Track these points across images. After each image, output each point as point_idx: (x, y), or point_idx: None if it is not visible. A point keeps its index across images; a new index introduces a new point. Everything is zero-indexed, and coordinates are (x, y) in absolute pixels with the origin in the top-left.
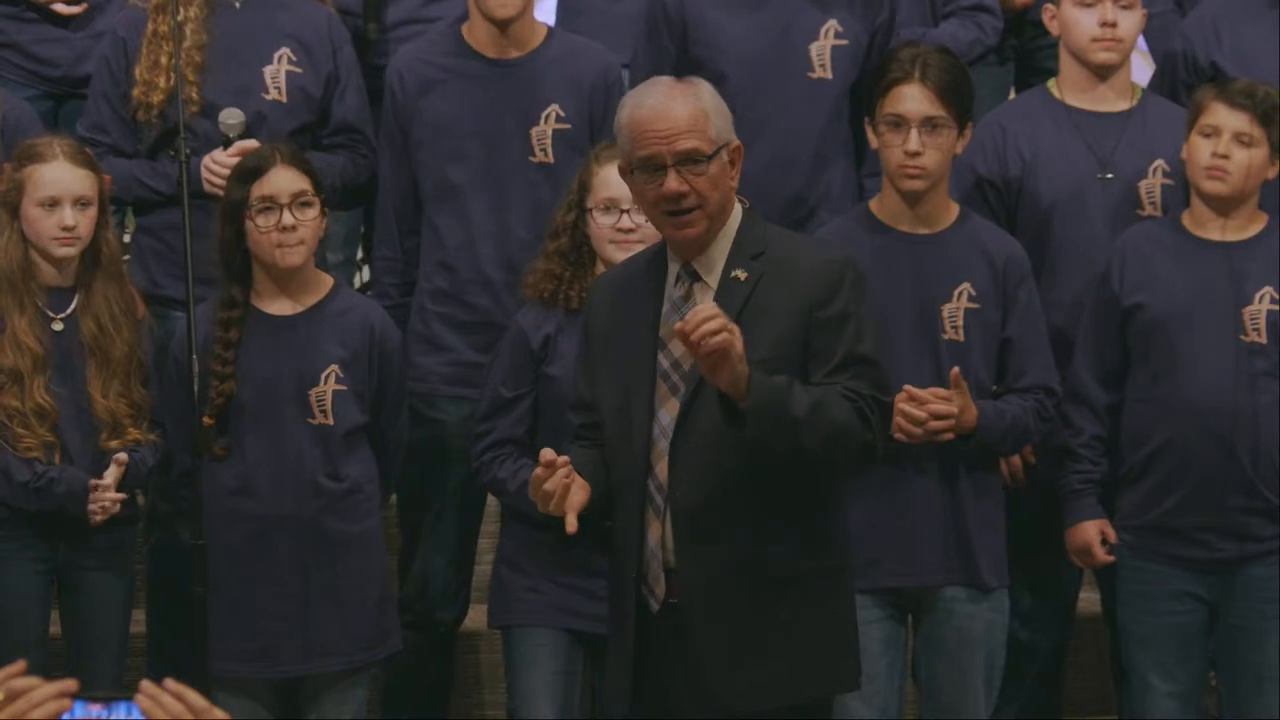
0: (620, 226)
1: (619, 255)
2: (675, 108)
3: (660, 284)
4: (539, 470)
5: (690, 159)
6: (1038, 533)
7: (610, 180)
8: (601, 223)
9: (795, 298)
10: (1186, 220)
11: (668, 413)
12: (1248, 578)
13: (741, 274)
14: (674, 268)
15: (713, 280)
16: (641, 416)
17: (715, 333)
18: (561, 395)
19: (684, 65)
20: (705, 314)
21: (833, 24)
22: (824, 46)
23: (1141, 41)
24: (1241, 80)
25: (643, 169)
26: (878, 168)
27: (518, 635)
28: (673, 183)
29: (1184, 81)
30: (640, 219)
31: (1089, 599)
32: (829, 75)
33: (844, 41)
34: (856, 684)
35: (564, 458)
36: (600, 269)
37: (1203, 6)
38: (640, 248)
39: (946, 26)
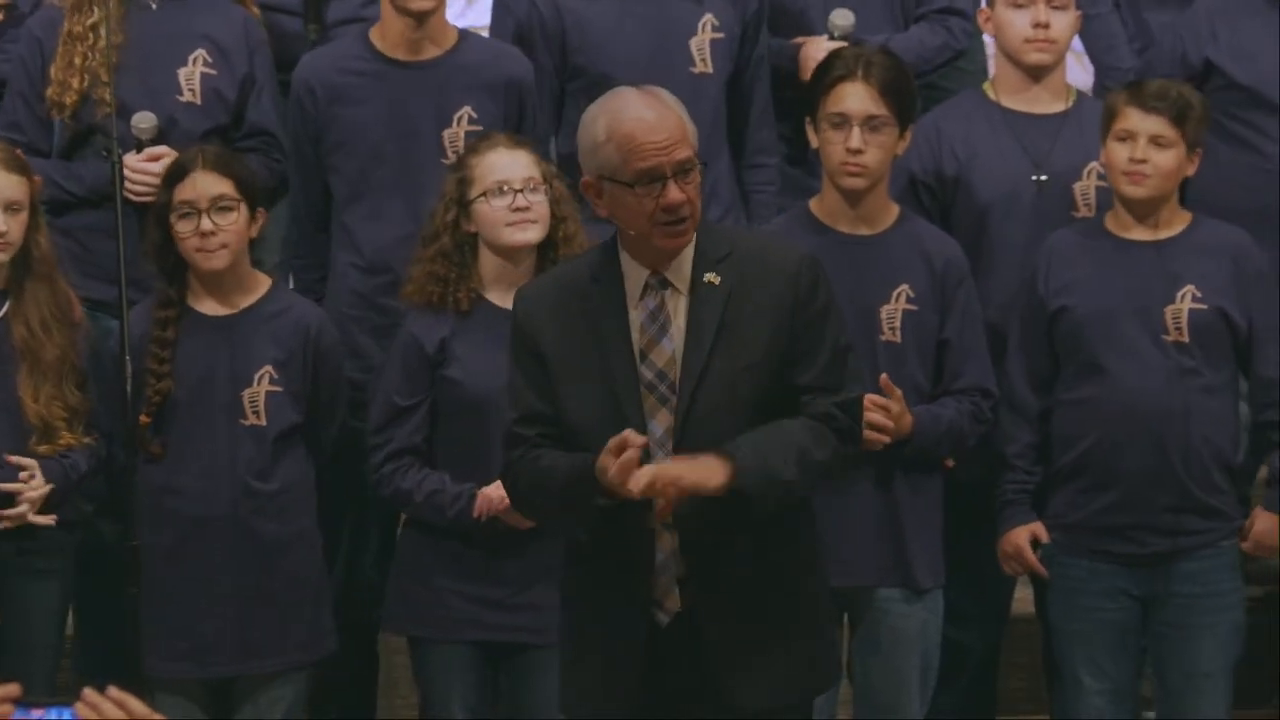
0: (515, 206)
1: (517, 236)
2: (667, 117)
3: (618, 294)
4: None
5: (685, 168)
6: (971, 533)
7: (496, 164)
8: (495, 205)
9: (774, 297)
10: (1109, 221)
11: (659, 424)
12: (1180, 573)
13: (714, 278)
14: (637, 276)
15: (683, 286)
16: (634, 429)
17: (669, 485)
18: (462, 398)
19: (563, 73)
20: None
21: (709, 18)
22: (703, 41)
23: (1077, 43)
24: (1154, 82)
25: (641, 181)
26: (754, 159)
27: (426, 648)
28: (676, 194)
29: (1169, 76)
30: (535, 197)
31: (1023, 598)
32: (710, 69)
33: (721, 35)
34: (839, 677)
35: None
36: (485, 265)
37: (1198, 3)
38: (536, 228)
39: (915, 30)
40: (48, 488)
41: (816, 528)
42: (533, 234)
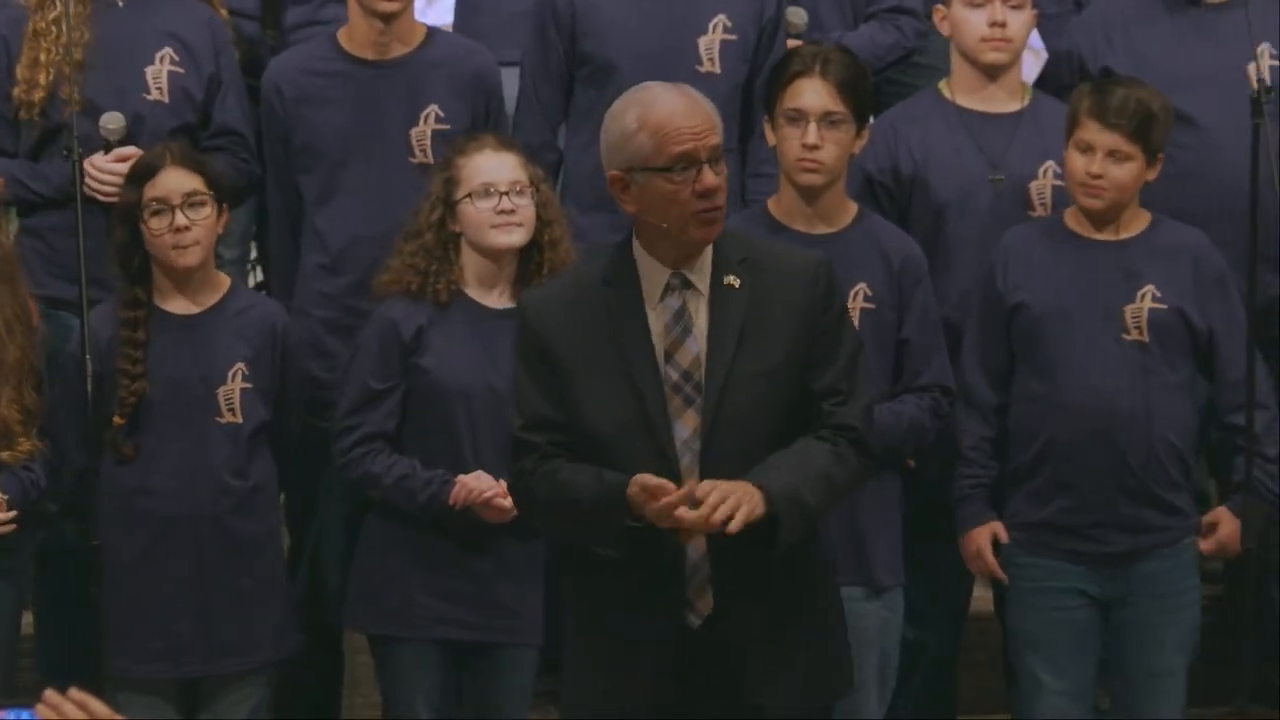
0: (501, 209)
1: (501, 239)
2: (699, 104)
3: (635, 294)
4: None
5: (717, 155)
6: (928, 532)
7: (483, 166)
8: (481, 208)
9: (793, 302)
10: (1070, 220)
11: (685, 425)
12: (1140, 573)
13: (735, 280)
14: (657, 276)
15: (704, 287)
16: (660, 432)
17: (731, 514)
18: (431, 388)
19: (572, 60)
20: (715, 502)
21: (721, 19)
22: (713, 41)
23: (1035, 40)
24: (1117, 93)
25: (677, 166)
26: (760, 169)
27: (391, 647)
28: (712, 178)
29: (1067, 86)
30: (521, 201)
31: (982, 597)
32: (717, 70)
33: (732, 37)
34: (853, 679)
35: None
36: (467, 263)
37: (1092, 10)
38: (521, 231)
39: (865, 29)
40: (11, 513)
41: (827, 534)
42: (517, 237)
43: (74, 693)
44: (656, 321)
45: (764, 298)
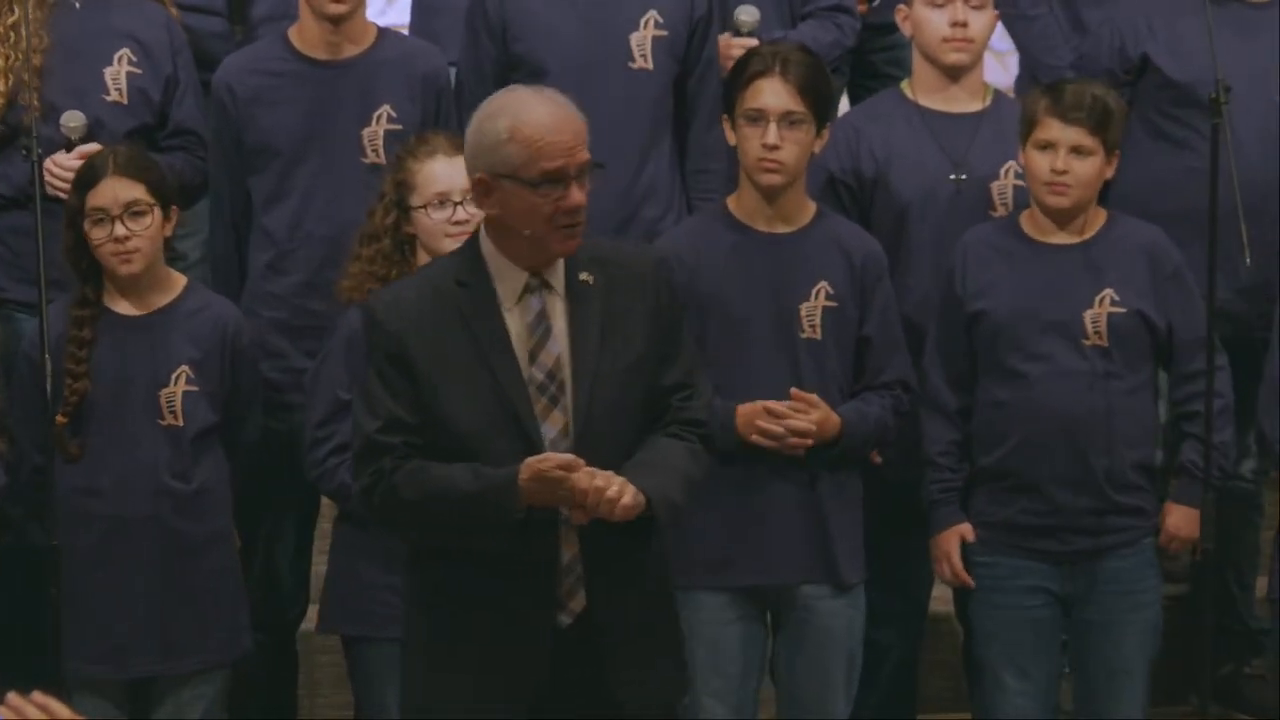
0: (455, 219)
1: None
2: (570, 118)
3: (489, 297)
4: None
5: (585, 171)
6: (888, 531)
7: (438, 175)
8: (435, 218)
9: (640, 299)
10: (1026, 224)
11: (552, 425)
12: (1102, 570)
13: (588, 277)
14: (513, 278)
15: (559, 287)
16: (529, 432)
17: (616, 499)
18: None
19: (504, 63)
20: (599, 487)
21: (653, 14)
22: (644, 37)
23: (999, 42)
24: (1073, 90)
25: (545, 182)
26: (705, 164)
27: (361, 647)
28: (579, 195)
29: (1106, 69)
30: (475, 210)
31: (943, 597)
32: (649, 66)
33: (664, 33)
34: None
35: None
36: (422, 264)
37: None
38: None
39: (805, 28)
40: None
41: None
42: None
43: (37, 696)
44: (516, 322)
45: (616, 295)
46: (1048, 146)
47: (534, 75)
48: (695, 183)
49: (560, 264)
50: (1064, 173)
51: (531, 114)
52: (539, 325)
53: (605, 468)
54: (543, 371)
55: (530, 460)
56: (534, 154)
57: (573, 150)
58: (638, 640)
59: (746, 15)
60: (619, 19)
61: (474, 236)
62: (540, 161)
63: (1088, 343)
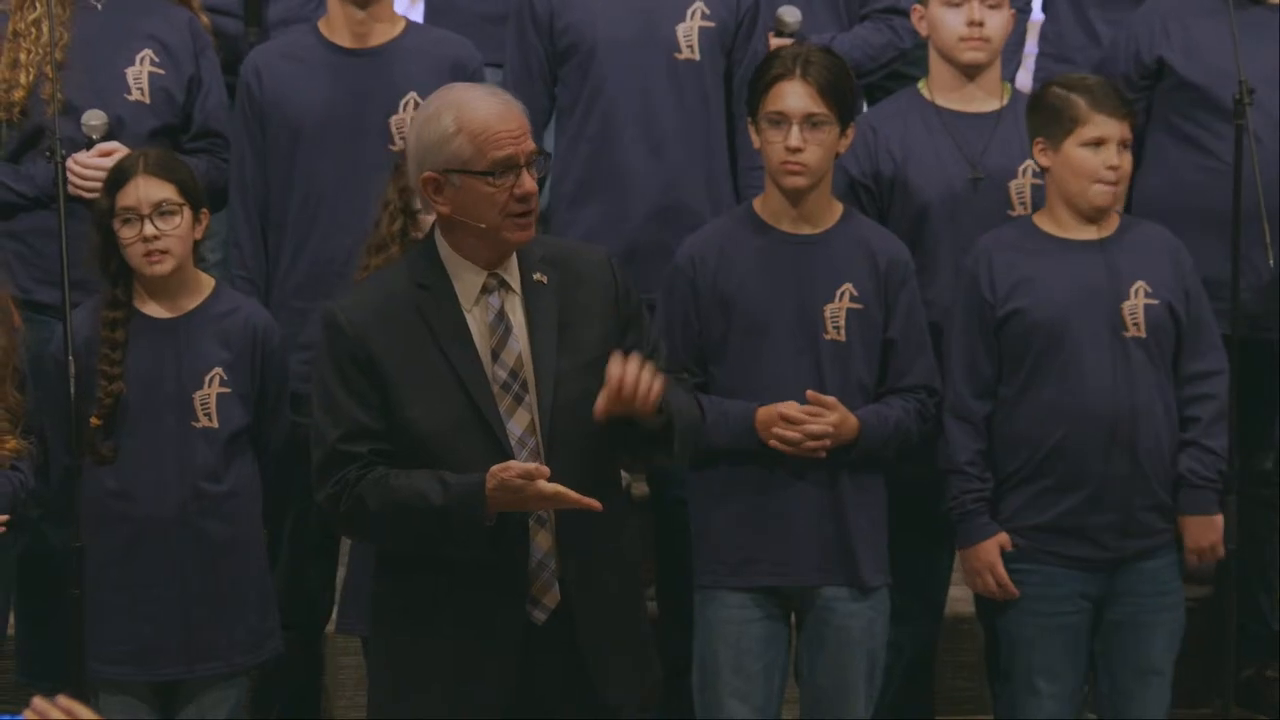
0: None
1: None
2: (513, 107)
3: (448, 297)
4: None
5: (533, 159)
6: (905, 531)
7: None
8: None
9: (595, 295)
10: (1044, 221)
11: (518, 424)
12: (1137, 572)
13: (541, 276)
14: (471, 278)
15: (515, 285)
16: (495, 430)
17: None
18: None
19: (553, 59)
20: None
21: (699, 5)
22: (691, 28)
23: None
24: (1096, 82)
25: (497, 171)
26: (755, 160)
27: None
28: (531, 182)
29: (1123, 74)
30: None
31: (964, 598)
32: (696, 57)
33: (710, 24)
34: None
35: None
36: None
37: (1150, 2)
38: None
39: (859, 30)
40: (4, 516)
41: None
42: None
43: (62, 699)
44: (477, 322)
45: (571, 293)
46: (1100, 143)
47: (581, 67)
48: (749, 180)
49: (514, 264)
50: (1118, 168)
51: (476, 106)
52: (499, 324)
53: (575, 461)
54: (505, 370)
55: (494, 469)
56: (483, 144)
57: (519, 138)
58: (614, 636)
59: (789, 16)
60: (666, 9)
61: (429, 238)
62: (490, 151)
63: (1128, 334)
